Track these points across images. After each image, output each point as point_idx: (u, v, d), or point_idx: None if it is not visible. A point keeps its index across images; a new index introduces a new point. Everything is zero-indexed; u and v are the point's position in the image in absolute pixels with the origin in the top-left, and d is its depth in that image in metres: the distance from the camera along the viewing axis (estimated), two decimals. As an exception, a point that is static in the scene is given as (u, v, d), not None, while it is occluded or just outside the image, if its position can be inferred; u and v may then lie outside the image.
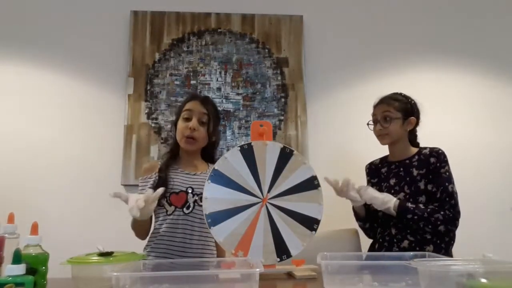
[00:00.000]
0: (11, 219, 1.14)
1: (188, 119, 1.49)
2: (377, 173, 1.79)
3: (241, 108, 2.44)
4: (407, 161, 1.69)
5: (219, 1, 2.59)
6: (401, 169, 1.69)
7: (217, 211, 1.26)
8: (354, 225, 2.22)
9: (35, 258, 1.03)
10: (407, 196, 1.62)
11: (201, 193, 1.40)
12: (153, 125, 2.37)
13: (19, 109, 2.36)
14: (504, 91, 2.64)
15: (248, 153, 1.33)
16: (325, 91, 2.54)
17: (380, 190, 1.67)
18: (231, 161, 1.32)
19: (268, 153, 1.34)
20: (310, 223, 1.32)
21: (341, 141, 2.48)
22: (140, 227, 1.47)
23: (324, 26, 2.63)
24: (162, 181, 1.47)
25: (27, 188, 2.27)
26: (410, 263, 0.92)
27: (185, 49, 2.49)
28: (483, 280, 0.82)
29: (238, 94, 2.46)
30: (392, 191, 1.65)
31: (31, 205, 2.20)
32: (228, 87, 2.47)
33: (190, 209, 1.48)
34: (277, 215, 1.30)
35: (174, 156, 1.58)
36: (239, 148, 1.34)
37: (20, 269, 0.88)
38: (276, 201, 1.32)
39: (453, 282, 0.83)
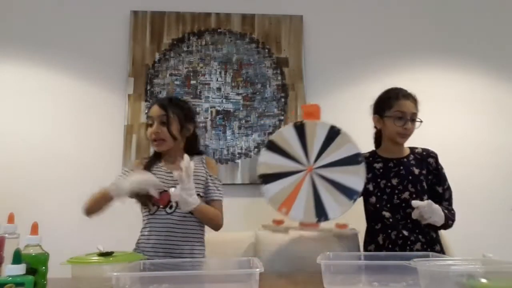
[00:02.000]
0: (11, 219, 1.14)
1: (151, 125, 1.55)
2: (369, 168, 1.63)
3: (241, 108, 2.44)
4: (405, 160, 1.66)
5: (219, 1, 2.59)
6: (401, 167, 1.64)
7: (268, 173, 1.44)
8: (354, 225, 2.22)
9: (35, 258, 1.03)
10: (413, 195, 1.58)
11: None
12: (153, 125, 2.37)
13: (19, 109, 2.36)
14: (505, 91, 2.64)
15: (300, 129, 1.51)
16: (325, 91, 2.54)
17: (377, 187, 1.63)
18: (285, 135, 1.51)
19: (317, 131, 1.51)
20: (350, 193, 1.44)
21: (341, 141, 2.48)
22: (101, 205, 1.45)
23: (324, 26, 2.63)
24: None
25: (27, 188, 2.27)
26: (410, 263, 0.92)
27: (185, 49, 2.49)
28: (483, 280, 0.82)
29: (238, 94, 2.46)
30: (396, 190, 1.61)
31: (31, 205, 2.20)
32: (228, 87, 2.47)
33: (173, 209, 1.49)
34: (319, 183, 1.44)
35: (157, 154, 1.62)
36: (293, 124, 1.53)
37: (20, 269, 0.88)
38: (321, 171, 1.47)
39: (453, 282, 0.83)
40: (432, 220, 1.45)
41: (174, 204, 1.49)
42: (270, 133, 2.42)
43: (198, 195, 1.46)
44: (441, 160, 1.73)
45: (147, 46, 2.47)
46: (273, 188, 1.44)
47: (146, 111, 1.65)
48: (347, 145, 1.50)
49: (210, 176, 1.61)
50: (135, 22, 2.49)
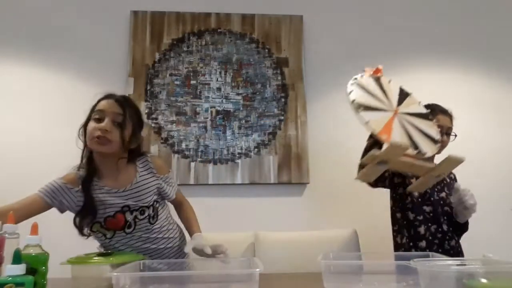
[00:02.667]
0: (11, 219, 1.14)
1: (99, 120, 1.30)
2: None
3: (241, 108, 2.44)
4: None
5: (219, 1, 2.59)
6: None
7: (362, 103, 1.42)
8: (354, 225, 2.23)
9: (35, 258, 1.02)
10: (448, 196, 1.74)
11: (140, 207, 1.35)
12: (153, 125, 2.37)
13: (19, 109, 2.36)
14: (505, 91, 2.64)
15: (377, 81, 1.56)
16: (325, 91, 2.54)
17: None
18: (364, 82, 1.55)
19: (392, 86, 1.56)
20: (433, 140, 1.46)
21: (341, 141, 2.48)
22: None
23: (324, 26, 2.63)
24: (89, 207, 1.30)
25: (27, 188, 2.25)
26: (410, 263, 0.92)
27: (185, 49, 2.49)
28: (483, 280, 0.82)
29: (238, 94, 2.46)
30: (435, 189, 1.75)
31: (31, 205, 2.20)
32: (228, 87, 2.47)
33: (132, 227, 1.34)
34: (407, 124, 1.44)
35: (92, 168, 1.34)
36: (370, 75, 1.57)
37: (20, 269, 0.88)
38: (405, 116, 1.47)
39: (453, 282, 0.83)
40: (468, 203, 1.55)
41: (132, 223, 1.34)
42: (270, 133, 2.43)
43: (155, 202, 1.38)
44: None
45: (147, 46, 2.47)
46: (369, 115, 1.39)
47: (94, 104, 1.38)
48: (416, 104, 1.54)
49: (161, 178, 1.43)
50: (135, 22, 2.49)
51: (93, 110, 1.35)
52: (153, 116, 2.39)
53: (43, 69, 2.43)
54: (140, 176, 1.37)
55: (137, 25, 2.48)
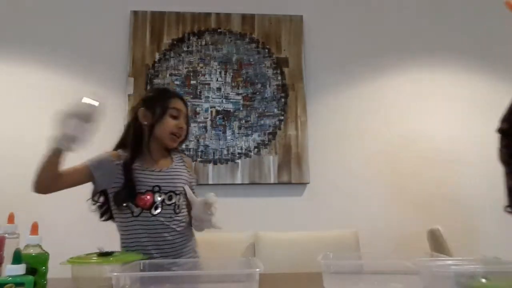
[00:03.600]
0: (11, 219, 1.14)
1: (176, 117, 1.44)
2: None
3: (241, 108, 2.44)
4: None
5: (219, 1, 2.59)
6: None
7: None
8: (354, 225, 2.23)
9: (35, 258, 1.03)
10: None
11: (169, 191, 1.40)
12: (153, 125, 2.37)
13: (19, 109, 2.36)
14: (505, 92, 2.63)
15: None
16: (325, 91, 2.55)
17: None
18: None
19: None
20: None
21: (341, 141, 2.48)
22: (52, 168, 1.32)
23: (324, 26, 2.63)
24: (128, 181, 1.38)
25: (27, 188, 2.26)
26: (410, 263, 0.92)
27: (185, 49, 2.49)
28: (483, 280, 0.82)
29: (238, 94, 2.46)
30: None
31: (31, 205, 2.20)
32: (228, 87, 2.47)
33: (159, 209, 1.39)
34: None
35: (137, 149, 1.45)
36: None
37: (20, 269, 0.88)
38: None
39: (453, 282, 0.83)
40: None
41: (159, 205, 1.39)
42: (270, 133, 2.43)
43: (183, 193, 1.43)
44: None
45: (147, 46, 2.47)
46: None
47: (158, 99, 1.48)
48: None
49: (191, 175, 1.53)
50: (135, 22, 2.49)
51: (167, 105, 1.44)
52: (153, 116, 2.38)
53: (43, 69, 2.42)
54: (175, 165, 1.47)
55: (137, 25, 2.48)
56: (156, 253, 1.38)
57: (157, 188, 1.40)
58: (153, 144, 1.46)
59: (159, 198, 1.40)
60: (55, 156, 1.30)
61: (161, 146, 1.47)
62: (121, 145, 1.51)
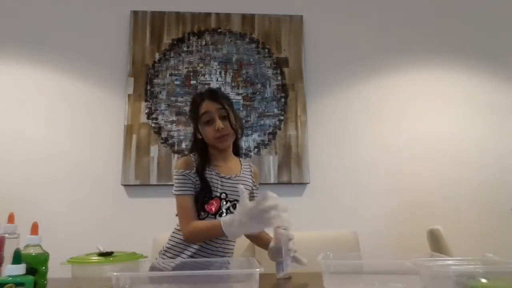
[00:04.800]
0: (11, 219, 1.14)
1: (209, 122, 1.42)
2: None
3: (241, 108, 2.44)
4: None
5: (219, 1, 2.59)
6: None
7: None
8: (354, 225, 2.22)
9: (35, 258, 1.03)
10: None
11: (235, 200, 1.40)
12: (153, 125, 2.37)
13: (19, 109, 2.36)
14: (505, 92, 2.64)
15: None
16: (325, 91, 2.55)
17: None
18: None
19: None
20: None
21: (341, 141, 2.48)
22: (208, 239, 1.38)
23: (324, 26, 2.63)
24: (205, 184, 1.39)
25: (27, 188, 2.27)
26: (410, 263, 0.92)
27: (185, 49, 2.49)
28: (483, 280, 0.82)
29: (238, 94, 2.46)
30: None
31: (31, 205, 2.20)
32: (228, 87, 2.47)
33: (224, 216, 1.37)
34: None
35: (204, 156, 1.46)
36: None
37: (20, 269, 0.88)
38: None
39: (453, 282, 0.83)
40: None
41: (224, 212, 1.39)
42: (270, 133, 2.43)
43: None
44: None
45: (147, 46, 2.47)
46: None
47: (192, 109, 1.49)
48: None
49: (255, 187, 1.54)
50: (135, 22, 2.49)
51: (197, 113, 1.45)
52: (153, 116, 2.39)
53: (43, 69, 2.42)
54: (243, 173, 1.49)
55: (137, 25, 2.48)
56: (208, 256, 1.38)
57: (224, 195, 1.41)
58: (212, 150, 1.48)
59: (225, 205, 1.41)
60: (217, 234, 1.29)
61: (226, 149, 1.48)
62: (193, 149, 1.51)
